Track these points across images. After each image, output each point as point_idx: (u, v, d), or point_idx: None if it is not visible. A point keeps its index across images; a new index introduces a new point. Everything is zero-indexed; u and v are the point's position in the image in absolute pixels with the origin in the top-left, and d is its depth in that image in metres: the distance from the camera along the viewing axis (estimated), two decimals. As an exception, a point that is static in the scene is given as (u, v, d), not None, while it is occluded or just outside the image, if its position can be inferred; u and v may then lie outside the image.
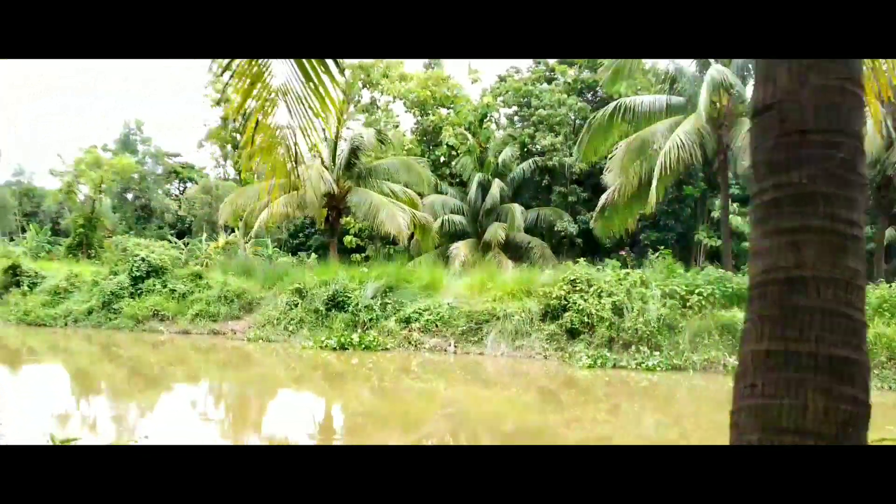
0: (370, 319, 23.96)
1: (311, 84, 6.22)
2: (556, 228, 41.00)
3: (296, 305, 25.42)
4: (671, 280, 22.24)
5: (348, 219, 39.33)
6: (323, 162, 31.45)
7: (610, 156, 26.71)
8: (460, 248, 37.36)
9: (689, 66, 26.44)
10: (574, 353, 20.81)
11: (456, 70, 58.48)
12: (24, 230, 78.06)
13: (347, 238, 46.81)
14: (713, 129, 24.23)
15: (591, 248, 41.62)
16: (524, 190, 43.14)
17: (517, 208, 38.96)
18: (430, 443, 13.28)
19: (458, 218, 39.49)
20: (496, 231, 37.86)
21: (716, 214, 37.59)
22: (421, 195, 36.36)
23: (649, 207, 24.06)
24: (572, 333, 21.56)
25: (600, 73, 36.19)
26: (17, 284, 31.37)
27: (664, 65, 26.95)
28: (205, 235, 56.45)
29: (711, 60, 25.23)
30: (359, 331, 23.61)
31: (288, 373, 21.59)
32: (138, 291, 28.10)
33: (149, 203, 65.11)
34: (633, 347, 20.47)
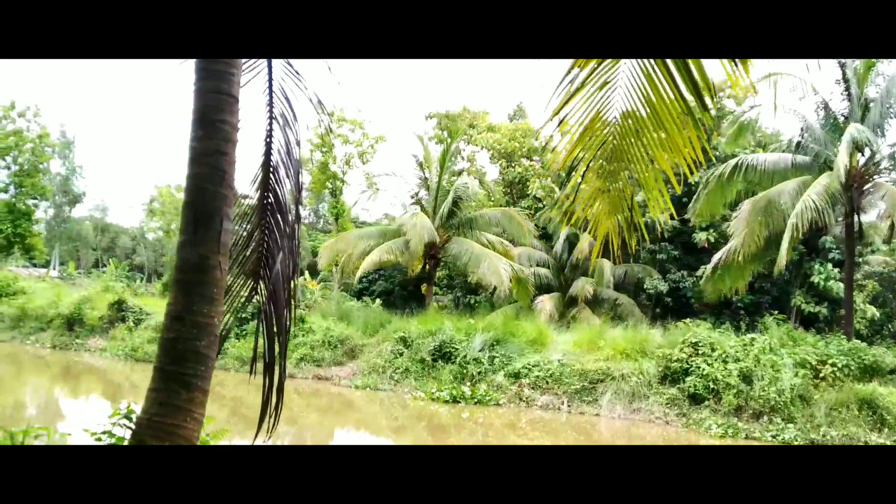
0: (479, 373, 23.34)
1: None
2: (644, 286, 40.12)
3: (401, 354, 24.93)
4: (801, 349, 21.34)
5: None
6: (424, 210, 31.07)
7: (735, 215, 25.88)
8: (545, 302, 36.55)
9: (816, 123, 25.63)
10: (701, 420, 19.95)
11: (541, 122, 58.04)
12: (99, 265, 79.24)
13: (424, 287, 46.42)
14: (843, 190, 23.32)
15: (679, 307, 40.72)
16: (610, 244, 42.23)
17: (606, 263, 38.12)
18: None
19: (543, 271, 38.76)
20: (583, 286, 37.09)
21: (815, 279, 36.45)
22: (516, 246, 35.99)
23: (778, 269, 23.16)
24: (695, 399, 20.72)
25: (723, 129, 35.82)
26: (123, 320, 31.69)
27: (788, 124, 26.21)
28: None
29: (847, 117, 24.54)
30: (468, 384, 22.95)
31: (391, 422, 21.08)
32: (243, 332, 27.86)
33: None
34: (766, 418, 19.56)
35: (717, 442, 18.71)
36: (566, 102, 5.68)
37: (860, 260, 38.60)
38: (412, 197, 32.25)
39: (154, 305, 33.58)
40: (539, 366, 23.05)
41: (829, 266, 36.41)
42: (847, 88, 25.15)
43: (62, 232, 73.35)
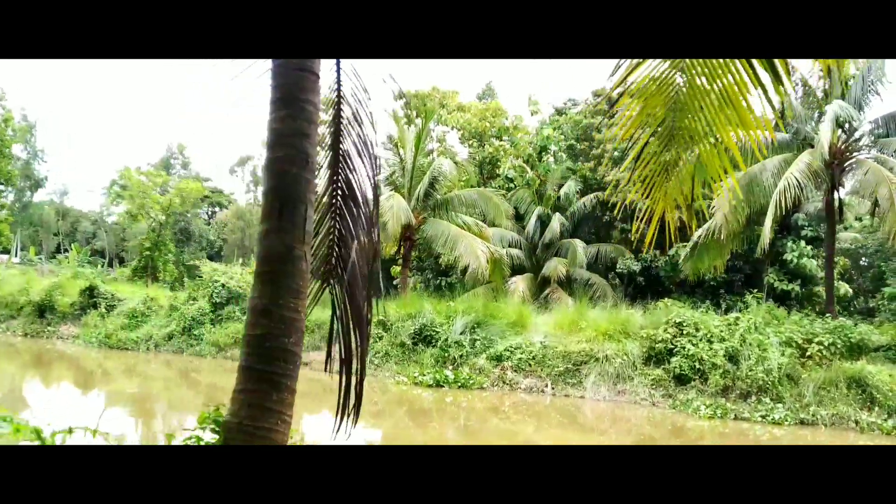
0: (460, 356, 23.00)
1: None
2: (617, 266, 39.97)
3: (380, 338, 24.55)
4: (786, 327, 21.19)
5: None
6: (399, 191, 30.56)
7: (717, 193, 25.67)
8: (518, 283, 36.25)
9: (796, 100, 25.46)
10: (688, 401, 19.74)
11: (510, 102, 57.96)
12: (60, 250, 77.78)
13: (396, 269, 45.94)
14: (825, 167, 23.17)
15: (652, 287, 40.63)
16: (584, 225, 42.05)
17: (579, 244, 37.87)
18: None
19: (515, 251, 38.41)
20: (556, 267, 36.86)
21: (788, 257, 36.44)
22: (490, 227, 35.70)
23: (762, 247, 23.05)
24: (681, 380, 20.51)
25: None
26: (95, 306, 31.13)
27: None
28: (241, 260, 56.18)
29: (827, 94, 24.42)
30: (450, 367, 22.60)
31: (372, 406, 20.67)
32: (219, 318, 27.80)
33: (188, 227, 64.57)
34: (754, 398, 19.38)
35: (706, 423, 18.49)
36: (627, 75, 5.26)
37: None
38: (386, 178, 31.64)
39: (125, 291, 33.27)
40: (521, 348, 22.76)
41: (802, 243, 36.39)
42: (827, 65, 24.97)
43: (24, 217, 71.87)
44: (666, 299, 36.43)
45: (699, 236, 26.20)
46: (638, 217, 6.81)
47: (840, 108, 22.19)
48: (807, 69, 25.85)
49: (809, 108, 25.30)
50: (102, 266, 61.92)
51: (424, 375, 22.05)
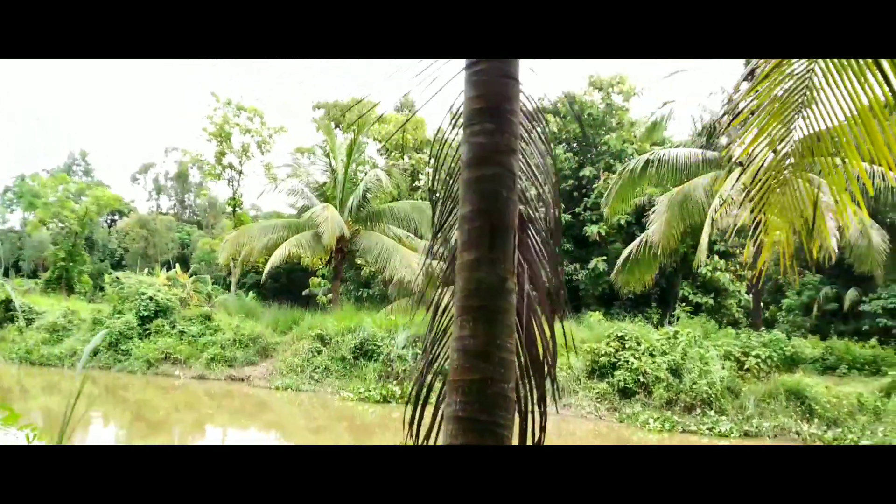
0: (404, 370, 22.88)
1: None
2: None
3: (319, 353, 24.27)
4: (723, 341, 21.80)
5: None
6: (332, 202, 30.33)
7: (652, 209, 26.19)
8: (445, 296, 36.19)
9: (725, 118, 26.17)
10: (634, 414, 20.06)
11: (429, 114, 57.97)
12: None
13: (314, 280, 45.64)
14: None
15: (573, 300, 41.24)
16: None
17: (503, 257, 38.07)
18: None
19: (440, 264, 38.45)
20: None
21: (703, 271, 37.54)
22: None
23: (697, 262, 23.60)
24: (625, 393, 20.83)
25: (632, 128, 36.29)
26: (11, 320, 29.87)
27: (697, 116, 26.60)
28: (146, 270, 54.76)
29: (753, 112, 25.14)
30: (394, 382, 22.47)
31: (311, 422, 20.47)
32: (146, 332, 26.81)
33: (91, 235, 62.70)
34: (698, 410, 19.83)
35: (655, 437, 18.83)
36: (752, 90, 5.31)
37: (736, 251, 40.12)
38: (314, 189, 31.32)
39: (42, 303, 31.96)
40: (464, 362, 22.72)
41: (716, 258, 37.61)
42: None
43: None
44: (593, 312, 37.25)
45: (631, 251, 26.67)
46: (751, 238, 6.87)
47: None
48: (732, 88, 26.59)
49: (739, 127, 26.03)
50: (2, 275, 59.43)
51: (370, 391, 21.88)
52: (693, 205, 24.22)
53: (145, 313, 26.95)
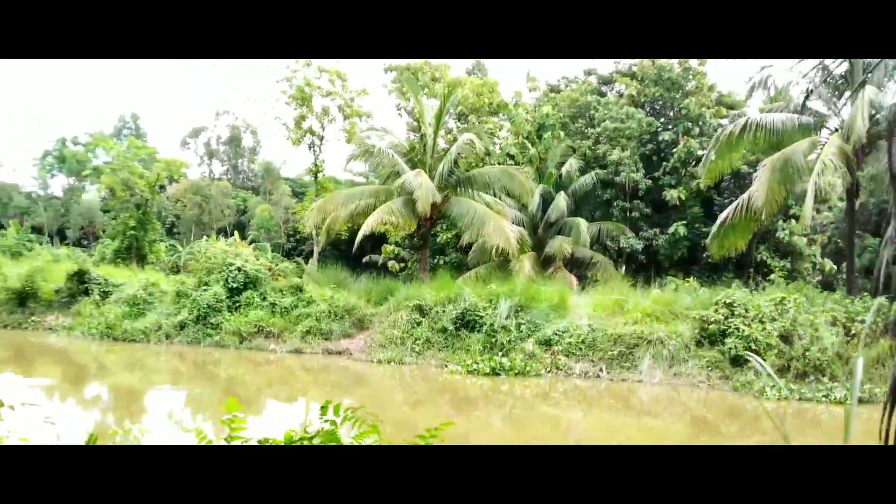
0: (508, 341, 22.76)
1: None
2: (621, 244, 40.18)
3: (418, 324, 24.16)
4: (830, 307, 21.43)
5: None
6: (421, 167, 30.09)
7: (755, 174, 25.80)
8: (523, 261, 36.10)
9: (820, 81, 25.57)
10: (748, 382, 19.82)
11: (500, 78, 57.23)
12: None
13: (388, 248, 45.59)
14: (853, 150, 23.44)
15: (653, 265, 40.97)
16: (584, 203, 42.08)
17: (582, 222, 37.83)
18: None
19: (517, 229, 38.26)
20: (561, 245, 36.80)
21: (780, 235, 37.09)
22: (525, 206, 35.48)
23: (802, 226, 23.24)
24: (736, 361, 20.53)
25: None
26: (87, 293, 29.01)
27: (797, 80, 26.03)
28: (203, 238, 54.40)
29: (846, 79, 24.62)
30: (499, 354, 22.36)
31: (409, 395, 20.50)
32: (236, 305, 26.40)
33: (142, 202, 62.49)
34: (811, 378, 19.55)
35: (772, 405, 18.58)
36: None
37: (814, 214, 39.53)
38: (403, 154, 31.06)
39: (118, 275, 31.39)
40: (569, 331, 22.64)
41: (793, 222, 37.09)
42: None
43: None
44: (672, 277, 36.94)
45: (726, 216, 26.32)
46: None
47: (873, 92, 22.49)
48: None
49: (831, 92, 25.49)
50: (44, 244, 58.73)
51: (478, 363, 21.79)
52: (793, 169, 23.84)
53: (234, 285, 26.46)
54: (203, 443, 3.99)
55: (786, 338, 20.35)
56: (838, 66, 25.25)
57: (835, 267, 37.45)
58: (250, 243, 51.15)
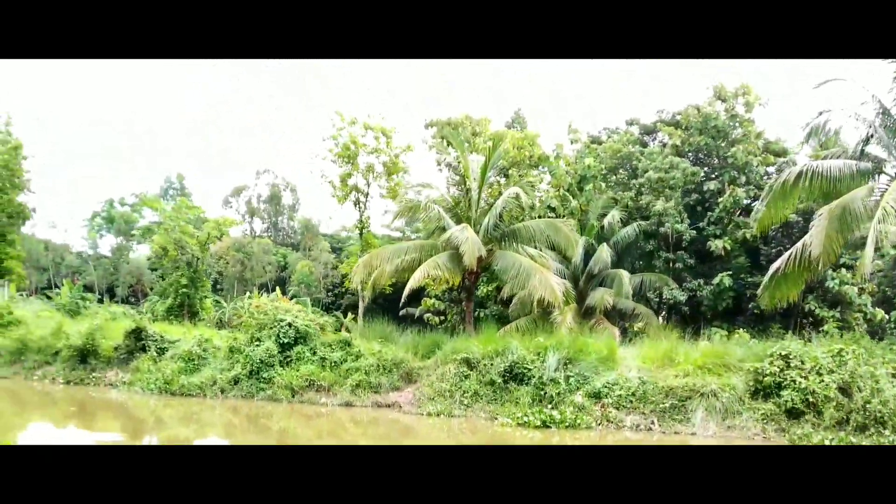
0: (557, 394, 22.43)
1: None
2: (664, 296, 39.82)
3: (466, 377, 23.91)
4: (892, 357, 20.94)
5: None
6: (468, 222, 30.08)
7: (812, 223, 25.36)
8: (565, 314, 35.86)
9: (881, 128, 25.19)
10: (805, 434, 19.34)
11: (540, 128, 57.54)
12: (52, 286, 76.09)
13: (428, 301, 45.57)
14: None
15: (696, 316, 40.51)
16: (627, 255, 41.86)
17: (625, 274, 37.67)
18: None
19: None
20: (602, 297, 36.64)
21: (829, 284, 36.48)
22: (567, 259, 35.36)
23: (860, 275, 22.69)
24: (792, 413, 20.04)
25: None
26: (144, 349, 29.42)
27: (853, 126, 25.56)
28: (246, 294, 55.28)
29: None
30: (548, 406, 22.06)
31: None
32: (287, 360, 26.62)
33: (193, 260, 63.62)
34: (872, 430, 19.00)
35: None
36: None
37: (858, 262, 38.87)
38: (448, 209, 31.08)
39: (173, 332, 31.85)
40: (618, 384, 22.27)
41: (843, 270, 36.50)
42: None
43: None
44: (718, 329, 36.46)
45: (778, 266, 25.89)
46: None
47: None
48: (886, 96, 25.59)
49: (891, 136, 25.05)
50: (95, 302, 59.91)
51: (528, 416, 21.49)
52: (851, 216, 23.42)
53: (285, 340, 26.68)
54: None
55: (845, 390, 19.83)
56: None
57: (886, 316, 36.63)
58: (291, 298, 51.81)
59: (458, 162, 39.60)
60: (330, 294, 67.76)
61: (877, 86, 26.07)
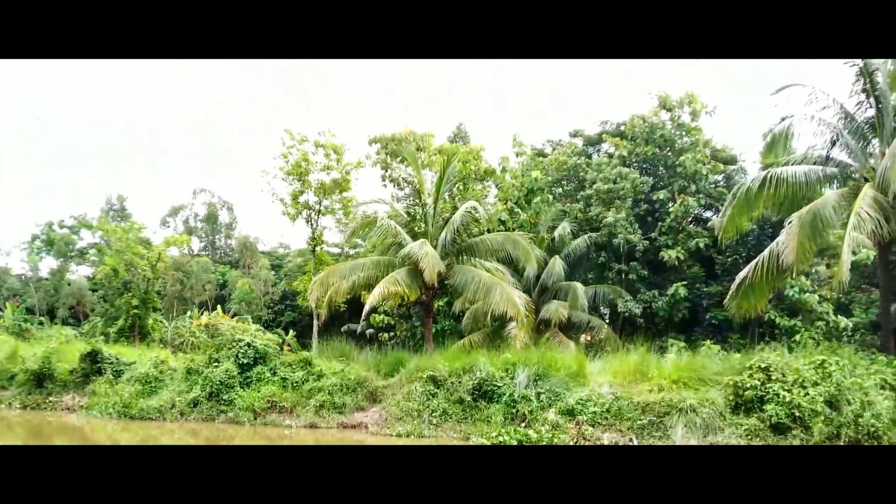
0: (530, 411, 21.55)
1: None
2: (618, 308, 39.31)
3: (434, 395, 23.04)
4: (879, 369, 20.46)
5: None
6: (421, 237, 29.17)
7: (785, 229, 24.85)
8: (518, 328, 35.03)
9: (846, 131, 24.83)
10: (794, 451, 18.65)
11: (483, 141, 56.69)
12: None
13: (377, 317, 44.56)
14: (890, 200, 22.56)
15: (653, 328, 40.00)
16: (578, 267, 41.27)
17: (579, 287, 37.10)
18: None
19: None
20: (557, 310, 35.92)
21: (788, 293, 36.15)
22: (521, 273, 34.67)
23: (837, 284, 22.06)
24: (778, 429, 19.33)
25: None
26: (100, 372, 28.53)
27: (815, 131, 25.20)
28: (188, 313, 54.19)
29: (873, 125, 24.05)
30: (521, 424, 21.12)
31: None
32: (247, 381, 25.69)
33: (132, 279, 62.05)
34: (867, 445, 18.39)
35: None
36: None
37: (815, 270, 38.74)
38: (403, 225, 30.06)
39: (127, 354, 30.84)
40: (591, 400, 21.51)
41: (803, 278, 36.21)
42: (869, 96, 24.51)
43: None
44: (674, 340, 35.95)
45: (745, 275, 25.41)
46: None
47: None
48: (846, 100, 25.31)
49: (858, 142, 24.74)
50: (40, 325, 58.83)
51: (503, 435, 20.49)
52: (823, 223, 22.96)
53: (245, 360, 25.79)
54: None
55: (832, 403, 19.19)
56: (864, 112, 24.71)
57: (850, 324, 36.36)
58: (232, 316, 50.90)
59: (413, 177, 38.76)
60: (270, 311, 66.78)
61: (835, 88, 25.84)
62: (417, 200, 31.52)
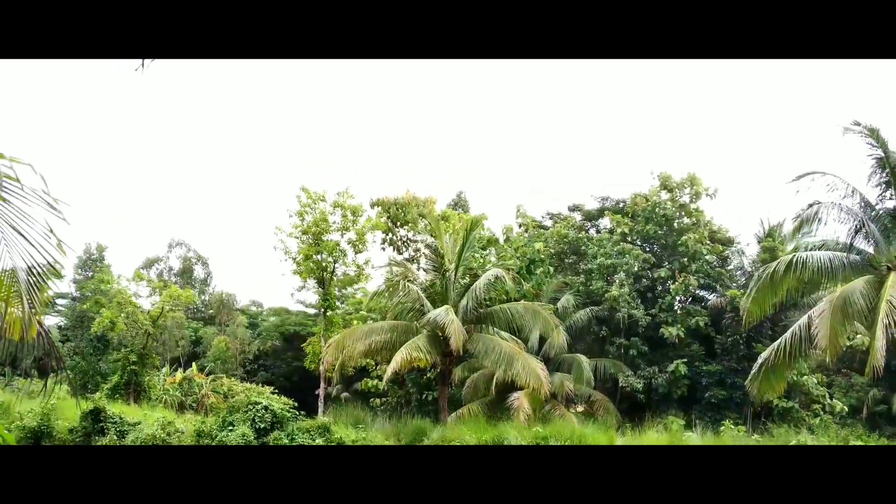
0: (563, 487, 21.32)
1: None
2: (620, 383, 39.38)
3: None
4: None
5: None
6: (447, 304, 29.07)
7: (816, 314, 25.07)
8: (521, 399, 34.83)
9: (869, 222, 25.29)
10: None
11: (483, 209, 56.88)
12: (-40, 365, 71.96)
13: (369, 382, 44.10)
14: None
15: (653, 403, 40.04)
16: (579, 339, 41.33)
17: (584, 359, 37.14)
18: None
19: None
20: (562, 382, 35.86)
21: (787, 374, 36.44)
22: (524, 342, 34.60)
23: (869, 370, 22.31)
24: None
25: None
26: (102, 432, 27.14)
27: (843, 216, 25.61)
28: (162, 369, 53.08)
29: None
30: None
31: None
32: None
33: (144, 336, 60.84)
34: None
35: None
36: None
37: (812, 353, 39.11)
38: (424, 291, 29.98)
39: (131, 414, 29.69)
40: (627, 478, 21.32)
41: (801, 361, 36.49)
42: (890, 187, 25.08)
43: None
44: (673, 416, 35.95)
45: (767, 357, 25.57)
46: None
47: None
48: (864, 188, 25.79)
49: (881, 230, 25.25)
50: (3, 376, 57.04)
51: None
52: (853, 309, 23.24)
53: (262, 425, 24.84)
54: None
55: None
56: (886, 201, 25.17)
57: (846, 408, 36.69)
58: (208, 374, 49.99)
59: (416, 241, 38.63)
60: (244, 370, 65.83)
61: (849, 173, 26.30)
62: (436, 265, 31.26)
